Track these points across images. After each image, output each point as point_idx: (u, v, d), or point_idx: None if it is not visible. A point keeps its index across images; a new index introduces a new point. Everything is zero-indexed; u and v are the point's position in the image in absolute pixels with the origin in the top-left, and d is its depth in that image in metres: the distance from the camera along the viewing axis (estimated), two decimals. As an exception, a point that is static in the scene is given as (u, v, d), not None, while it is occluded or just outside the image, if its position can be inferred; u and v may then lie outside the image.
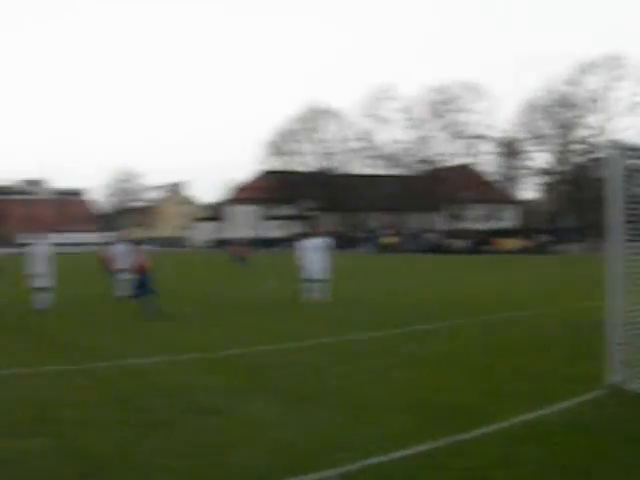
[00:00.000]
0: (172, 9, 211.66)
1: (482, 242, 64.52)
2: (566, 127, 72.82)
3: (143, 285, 17.04)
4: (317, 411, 7.77)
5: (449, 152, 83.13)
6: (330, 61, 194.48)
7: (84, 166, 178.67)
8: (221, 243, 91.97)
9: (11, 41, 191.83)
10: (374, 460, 5.92)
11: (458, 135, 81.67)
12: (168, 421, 7.41)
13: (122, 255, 22.31)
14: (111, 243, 25.03)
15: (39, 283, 18.38)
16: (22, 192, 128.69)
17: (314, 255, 20.62)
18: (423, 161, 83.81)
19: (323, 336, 13.45)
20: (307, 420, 7.38)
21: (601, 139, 65.47)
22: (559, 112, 72.60)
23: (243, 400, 8.29)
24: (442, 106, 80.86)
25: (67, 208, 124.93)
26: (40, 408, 7.86)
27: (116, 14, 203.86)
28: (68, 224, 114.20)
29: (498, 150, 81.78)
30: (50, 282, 18.65)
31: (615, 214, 7.78)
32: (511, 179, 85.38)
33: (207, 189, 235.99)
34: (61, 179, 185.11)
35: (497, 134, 79.28)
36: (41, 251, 18.92)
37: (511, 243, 61.84)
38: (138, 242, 19.39)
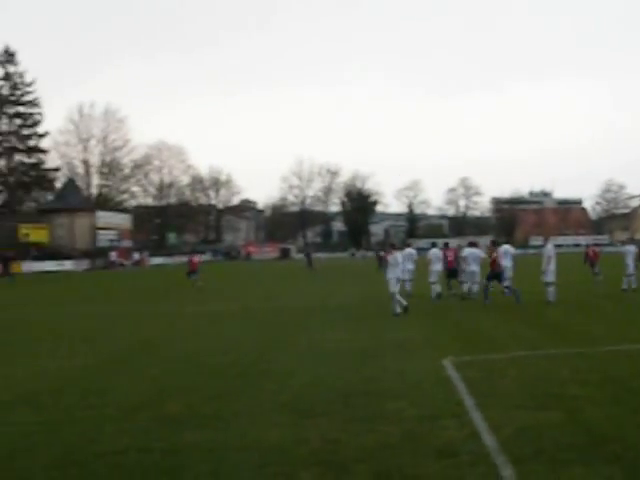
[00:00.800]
0: None
1: None
2: None
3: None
4: None
5: None
6: None
7: (583, 178, 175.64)
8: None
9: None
10: None
11: None
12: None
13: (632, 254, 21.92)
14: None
15: (548, 278, 18.26)
16: (533, 202, 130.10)
17: None
18: None
19: None
20: None
21: None
22: None
23: None
24: None
25: (568, 215, 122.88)
26: (551, 385, 7.86)
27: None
28: (568, 229, 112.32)
29: None
30: (554, 278, 18.45)
31: None
32: None
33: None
34: (563, 190, 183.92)
35: None
36: (548, 251, 18.67)
37: None
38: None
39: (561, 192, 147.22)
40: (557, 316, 15.28)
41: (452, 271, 21.21)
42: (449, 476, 4.99)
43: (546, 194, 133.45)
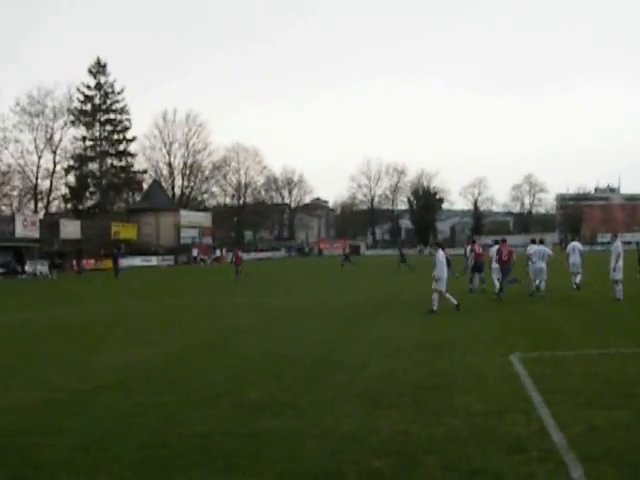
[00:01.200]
0: None
1: None
2: None
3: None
4: None
5: None
6: None
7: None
8: None
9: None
10: None
11: None
12: None
13: None
14: None
15: (617, 276, 17.33)
16: (599, 198, 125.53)
17: None
18: None
19: None
20: None
21: None
22: None
23: None
24: None
25: (636, 210, 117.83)
26: (620, 384, 7.49)
27: None
28: (637, 224, 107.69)
29: None
30: (622, 275, 17.66)
31: None
32: None
33: None
34: (631, 185, 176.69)
35: None
36: (617, 248, 17.73)
37: None
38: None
39: (628, 187, 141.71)
40: (626, 314, 14.67)
41: (478, 265, 21.30)
42: (518, 472, 4.84)
43: (613, 190, 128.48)
